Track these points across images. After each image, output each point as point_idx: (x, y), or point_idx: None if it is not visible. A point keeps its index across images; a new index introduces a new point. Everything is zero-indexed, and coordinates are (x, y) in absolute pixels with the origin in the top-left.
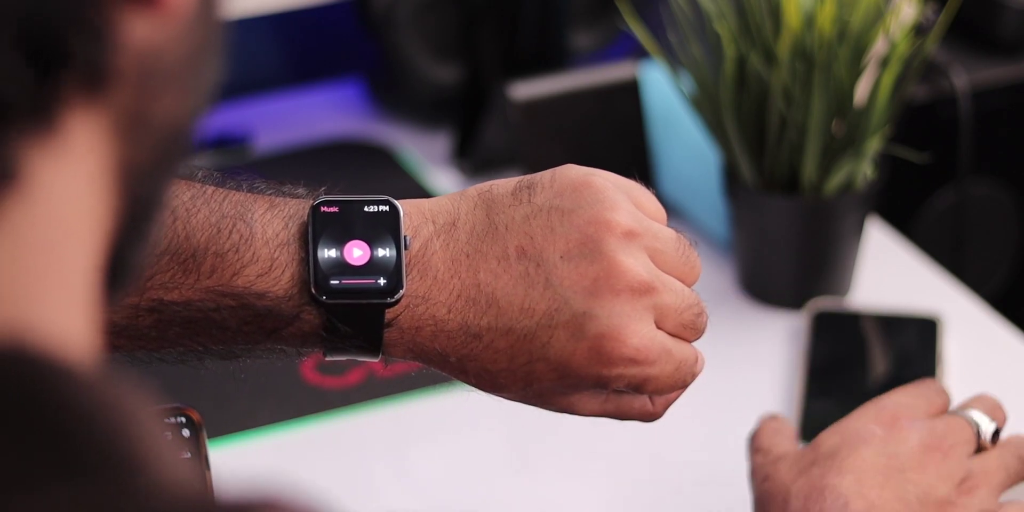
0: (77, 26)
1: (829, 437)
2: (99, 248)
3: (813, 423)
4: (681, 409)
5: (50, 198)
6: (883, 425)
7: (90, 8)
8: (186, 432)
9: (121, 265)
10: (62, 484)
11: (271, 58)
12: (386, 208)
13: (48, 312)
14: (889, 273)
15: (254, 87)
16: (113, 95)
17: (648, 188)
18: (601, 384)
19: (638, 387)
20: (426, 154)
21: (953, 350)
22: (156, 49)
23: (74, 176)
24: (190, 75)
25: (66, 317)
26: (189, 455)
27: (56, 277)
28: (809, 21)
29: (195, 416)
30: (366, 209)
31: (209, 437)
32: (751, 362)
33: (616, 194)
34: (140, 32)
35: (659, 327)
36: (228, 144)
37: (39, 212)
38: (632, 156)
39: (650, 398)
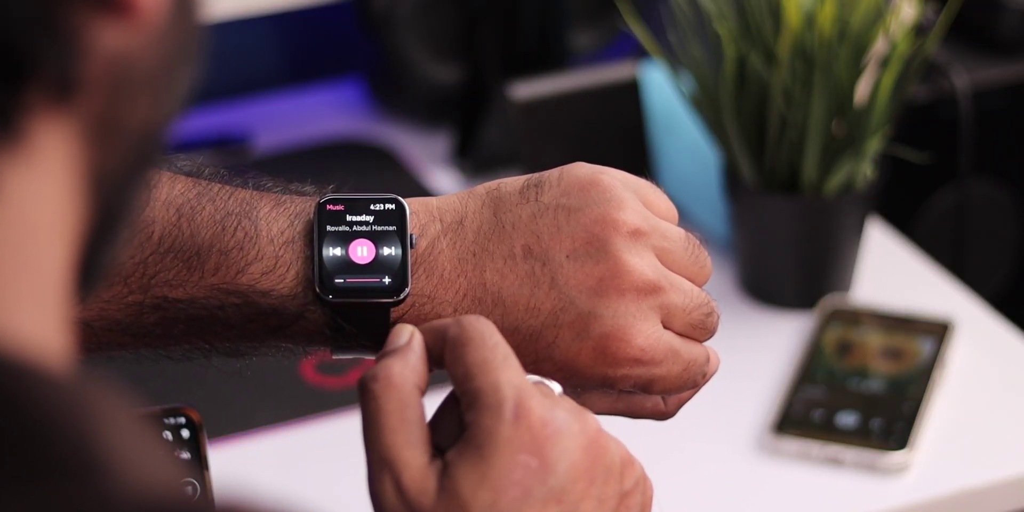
0: (42, 35)
1: (477, 490)
2: (70, 252)
3: (794, 413)
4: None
5: (18, 205)
6: (530, 445)
7: (55, 16)
8: (186, 432)
9: (92, 267)
10: (27, 486)
11: (271, 58)
12: (392, 206)
13: (18, 316)
14: (889, 273)
15: (254, 87)
16: (82, 102)
17: (659, 186)
18: (607, 384)
19: (645, 388)
20: (426, 154)
21: (954, 350)
22: (127, 56)
23: (42, 182)
24: (164, 81)
25: (36, 321)
26: (188, 455)
27: (26, 281)
28: (809, 21)
29: (195, 416)
30: (372, 207)
31: (209, 437)
32: (751, 362)
33: (624, 192)
34: (110, 39)
35: (667, 327)
36: (228, 144)
37: (7, 219)
38: (632, 156)
39: (662, 398)
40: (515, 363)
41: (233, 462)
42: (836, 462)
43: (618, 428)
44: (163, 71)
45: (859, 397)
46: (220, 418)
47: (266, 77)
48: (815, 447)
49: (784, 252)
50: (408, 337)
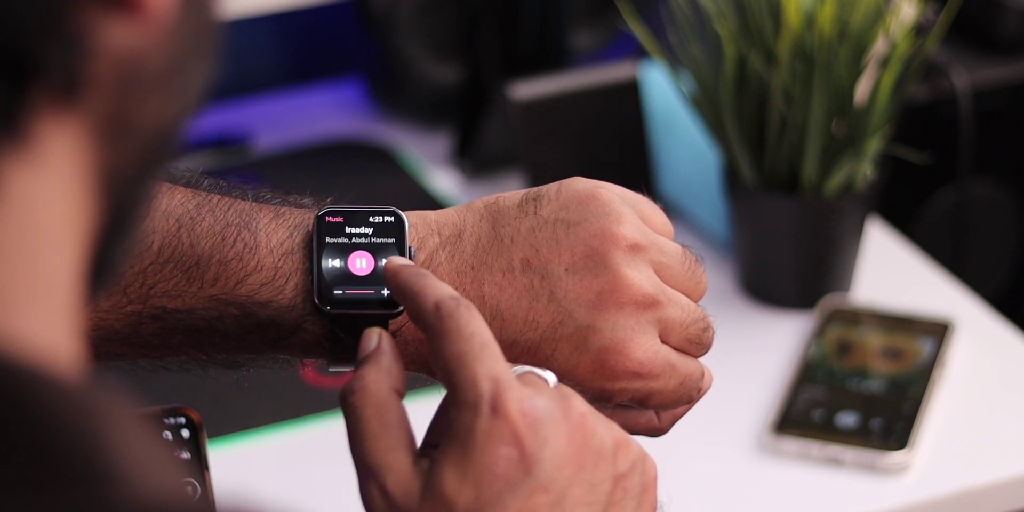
0: (47, 34)
1: (460, 487)
2: (80, 253)
3: (794, 413)
4: None
5: (26, 207)
6: (509, 437)
7: (61, 16)
8: (186, 432)
9: (104, 265)
10: (36, 492)
11: (271, 58)
12: (391, 219)
13: (28, 320)
14: (889, 273)
15: (254, 87)
16: (89, 102)
17: (656, 202)
18: (605, 398)
19: (642, 401)
20: (426, 154)
21: (954, 350)
22: (136, 55)
23: (50, 184)
24: (175, 79)
25: (46, 325)
26: (188, 455)
27: (35, 285)
28: (809, 21)
29: (195, 416)
30: (371, 219)
31: (209, 437)
32: (751, 362)
33: (622, 207)
34: (118, 38)
35: (664, 342)
36: (228, 144)
37: (15, 221)
38: (632, 156)
39: (656, 413)
40: (494, 352)
41: (233, 462)
42: (836, 462)
43: None
44: (174, 69)
45: (859, 397)
46: (220, 418)
47: (266, 77)
48: (815, 447)
49: (784, 252)
50: (377, 341)
